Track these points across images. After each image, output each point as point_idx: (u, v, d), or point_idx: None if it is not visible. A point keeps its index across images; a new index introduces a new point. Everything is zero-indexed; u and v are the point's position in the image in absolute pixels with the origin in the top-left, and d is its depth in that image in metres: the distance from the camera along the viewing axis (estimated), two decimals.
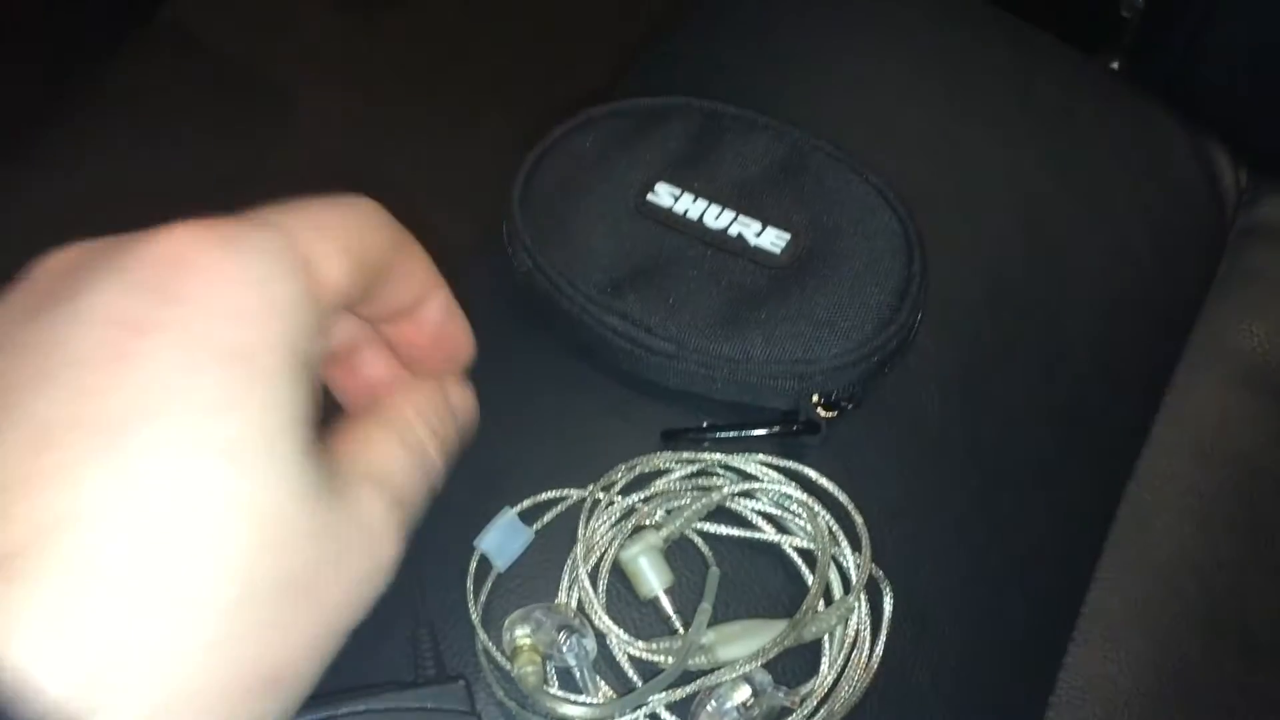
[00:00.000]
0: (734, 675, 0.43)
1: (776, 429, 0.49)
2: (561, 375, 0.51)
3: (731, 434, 0.49)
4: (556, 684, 0.43)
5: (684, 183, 0.53)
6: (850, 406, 0.49)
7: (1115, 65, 0.74)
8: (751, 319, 0.49)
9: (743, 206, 0.52)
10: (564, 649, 0.42)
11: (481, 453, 0.49)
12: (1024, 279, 0.58)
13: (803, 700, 0.44)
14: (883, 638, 0.46)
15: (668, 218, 0.52)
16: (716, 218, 0.52)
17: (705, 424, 0.49)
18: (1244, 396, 0.60)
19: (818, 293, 0.50)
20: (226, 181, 1.19)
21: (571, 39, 1.34)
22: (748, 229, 0.51)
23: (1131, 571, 0.55)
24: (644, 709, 0.42)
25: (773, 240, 0.51)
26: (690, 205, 0.52)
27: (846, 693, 0.45)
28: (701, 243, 0.51)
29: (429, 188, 1.16)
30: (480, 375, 0.52)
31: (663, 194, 0.53)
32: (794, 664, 0.45)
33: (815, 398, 0.48)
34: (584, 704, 0.42)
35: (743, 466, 0.48)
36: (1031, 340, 0.57)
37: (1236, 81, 0.67)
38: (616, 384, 0.51)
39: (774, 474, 0.48)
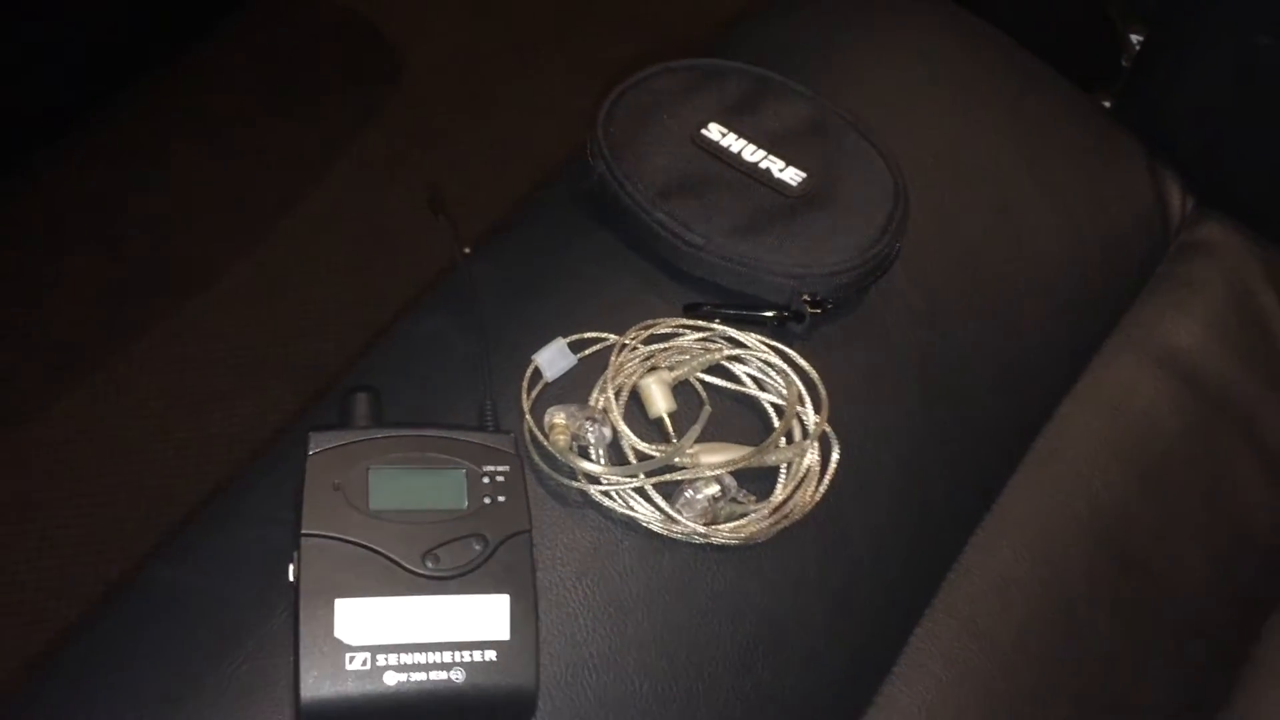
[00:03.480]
0: (708, 475, 0.57)
1: (772, 314, 0.63)
2: (615, 255, 0.66)
3: (736, 313, 0.63)
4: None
5: (732, 126, 0.68)
6: (831, 306, 0.64)
7: (1108, 104, 0.88)
8: (767, 230, 0.64)
9: (773, 149, 0.67)
10: (588, 431, 0.57)
11: (550, 299, 0.65)
12: (990, 248, 0.73)
13: (757, 509, 0.58)
14: (828, 479, 0.60)
15: (715, 149, 0.67)
16: (752, 154, 0.67)
17: (718, 303, 0.64)
18: (1156, 373, 0.74)
19: (820, 217, 0.64)
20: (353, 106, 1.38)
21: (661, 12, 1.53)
22: (774, 165, 0.66)
23: (1037, 488, 0.69)
24: (635, 482, 0.56)
25: (791, 176, 0.66)
26: (734, 142, 0.67)
27: (792, 513, 0.59)
28: (737, 171, 0.66)
29: (533, 111, 1.35)
30: (557, 249, 0.68)
31: (714, 131, 0.68)
32: (758, 486, 0.59)
33: (805, 296, 0.63)
34: (596, 465, 0.57)
35: (740, 337, 0.63)
36: (988, 297, 0.71)
37: (1193, 128, 0.81)
38: (655, 268, 0.65)
39: (763, 347, 0.62)
